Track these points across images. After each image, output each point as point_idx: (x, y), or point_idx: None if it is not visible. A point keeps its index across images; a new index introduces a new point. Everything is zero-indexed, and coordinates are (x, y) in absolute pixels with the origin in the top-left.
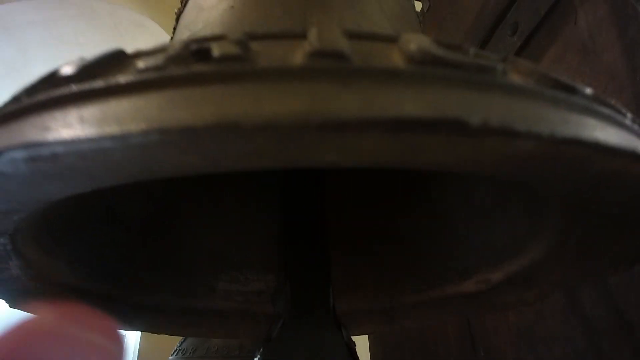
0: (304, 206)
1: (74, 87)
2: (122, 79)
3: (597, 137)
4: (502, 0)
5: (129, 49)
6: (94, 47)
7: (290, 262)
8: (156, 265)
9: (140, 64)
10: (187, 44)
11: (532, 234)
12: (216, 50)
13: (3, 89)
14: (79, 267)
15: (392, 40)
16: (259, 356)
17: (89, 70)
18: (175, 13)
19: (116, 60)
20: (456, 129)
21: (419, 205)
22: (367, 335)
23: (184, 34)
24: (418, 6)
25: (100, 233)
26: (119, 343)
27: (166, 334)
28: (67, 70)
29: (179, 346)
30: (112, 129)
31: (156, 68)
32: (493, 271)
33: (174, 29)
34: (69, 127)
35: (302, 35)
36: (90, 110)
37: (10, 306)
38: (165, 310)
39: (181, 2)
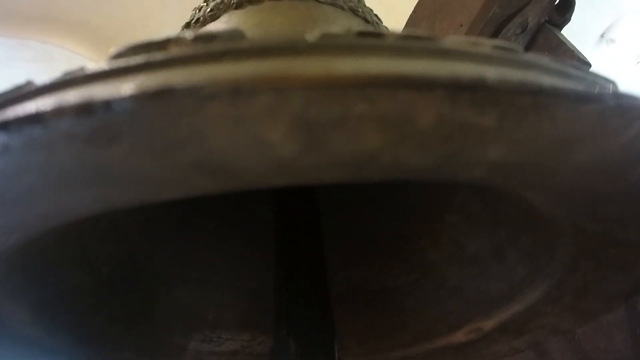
0: (305, 261)
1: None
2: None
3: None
4: None
5: None
6: None
7: (294, 317)
8: (122, 320)
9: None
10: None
11: (532, 278)
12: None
13: None
14: (42, 316)
15: None
16: None
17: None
18: None
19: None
20: None
21: (407, 259)
22: None
23: None
24: None
25: (69, 276)
26: None
27: None
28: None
29: None
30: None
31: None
32: (485, 319)
33: None
34: None
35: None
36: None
37: None
38: None
39: None
